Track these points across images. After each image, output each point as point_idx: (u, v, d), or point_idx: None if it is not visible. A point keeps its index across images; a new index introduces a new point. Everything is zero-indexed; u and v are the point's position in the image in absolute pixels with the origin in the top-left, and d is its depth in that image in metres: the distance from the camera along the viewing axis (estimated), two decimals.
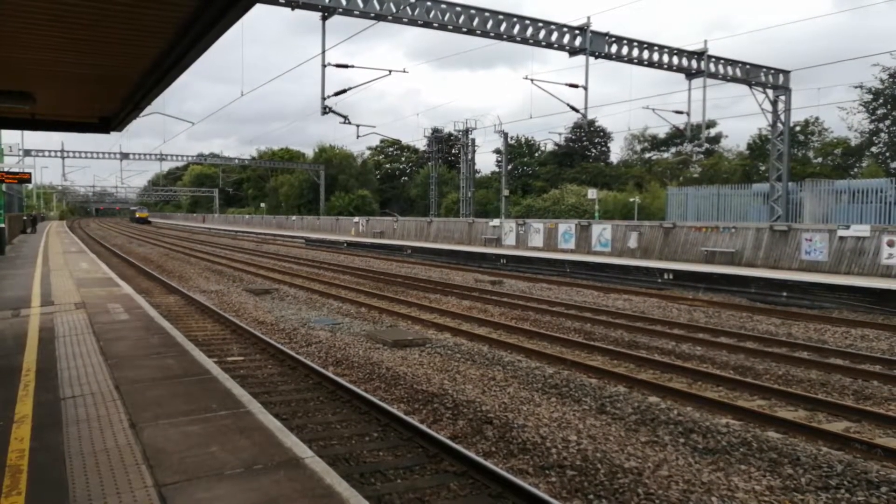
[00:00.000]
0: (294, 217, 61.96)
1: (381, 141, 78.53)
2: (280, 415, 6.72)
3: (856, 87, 39.20)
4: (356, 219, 47.76)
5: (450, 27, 20.89)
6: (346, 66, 23.93)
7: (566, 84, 24.46)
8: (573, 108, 24.66)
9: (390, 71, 24.99)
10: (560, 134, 60.02)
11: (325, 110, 23.56)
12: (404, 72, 26.21)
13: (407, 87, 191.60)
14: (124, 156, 64.26)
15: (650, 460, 5.88)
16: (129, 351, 7.65)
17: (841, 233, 18.19)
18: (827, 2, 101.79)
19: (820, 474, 5.62)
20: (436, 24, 20.72)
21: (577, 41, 22.71)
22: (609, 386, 8.37)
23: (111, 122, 12.29)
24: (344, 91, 24.30)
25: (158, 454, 4.40)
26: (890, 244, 17.00)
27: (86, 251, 26.92)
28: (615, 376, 8.81)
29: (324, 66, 22.35)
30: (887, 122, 40.10)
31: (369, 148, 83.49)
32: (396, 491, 5.16)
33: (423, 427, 6.35)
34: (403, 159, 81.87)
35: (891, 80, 38.05)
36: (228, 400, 5.68)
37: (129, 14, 5.74)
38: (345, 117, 26.07)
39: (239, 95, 35.64)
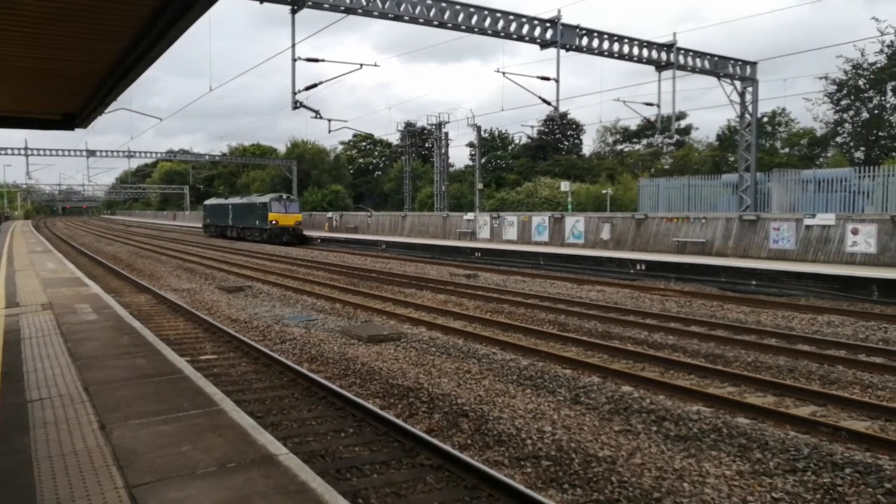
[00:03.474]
0: None
1: (354, 135, 77.74)
2: (254, 413, 6.66)
3: (820, 78, 39.89)
4: (330, 214, 47.48)
5: (421, 20, 20.79)
6: (316, 60, 23.51)
7: (538, 77, 24.57)
8: (545, 101, 24.75)
9: (361, 65, 24.86)
10: (532, 127, 60.02)
11: (297, 105, 23.30)
12: (376, 66, 26.13)
13: (377, 81, 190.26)
14: (91, 153, 62.75)
15: (623, 449, 5.96)
16: (99, 351, 7.51)
17: (807, 221, 18.58)
18: None
19: (788, 458, 5.75)
20: (406, 17, 20.60)
21: (549, 34, 22.77)
22: (583, 376, 8.45)
23: (75, 118, 11.99)
24: (315, 85, 24.10)
25: (129, 455, 4.34)
26: (854, 232, 17.41)
27: (52, 251, 26.34)
28: (589, 367, 8.90)
29: (294, 60, 22.11)
30: (850, 113, 40.91)
31: (342, 143, 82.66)
32: (372, 485, 5.16)
33: (399, 421, 6.36)
34: (376, 154, 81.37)
35: (854, 71, 38.79)
36: (201, 399, 5.61)
37: (90, 8, 5.60)
38: (316, 112, 25.84)
39: (207, 90, 35.18)
